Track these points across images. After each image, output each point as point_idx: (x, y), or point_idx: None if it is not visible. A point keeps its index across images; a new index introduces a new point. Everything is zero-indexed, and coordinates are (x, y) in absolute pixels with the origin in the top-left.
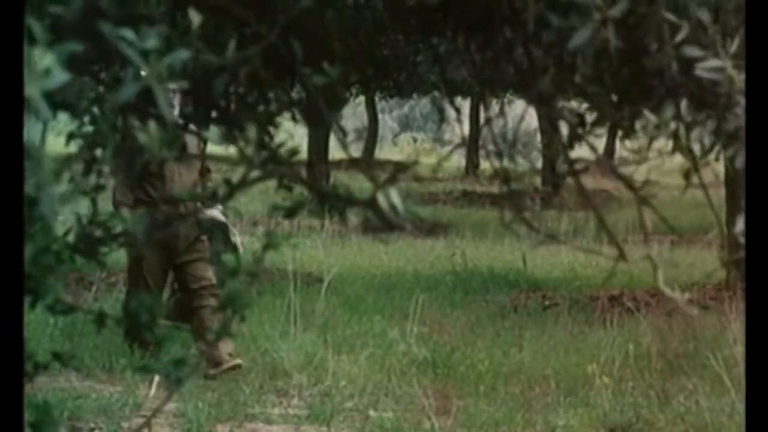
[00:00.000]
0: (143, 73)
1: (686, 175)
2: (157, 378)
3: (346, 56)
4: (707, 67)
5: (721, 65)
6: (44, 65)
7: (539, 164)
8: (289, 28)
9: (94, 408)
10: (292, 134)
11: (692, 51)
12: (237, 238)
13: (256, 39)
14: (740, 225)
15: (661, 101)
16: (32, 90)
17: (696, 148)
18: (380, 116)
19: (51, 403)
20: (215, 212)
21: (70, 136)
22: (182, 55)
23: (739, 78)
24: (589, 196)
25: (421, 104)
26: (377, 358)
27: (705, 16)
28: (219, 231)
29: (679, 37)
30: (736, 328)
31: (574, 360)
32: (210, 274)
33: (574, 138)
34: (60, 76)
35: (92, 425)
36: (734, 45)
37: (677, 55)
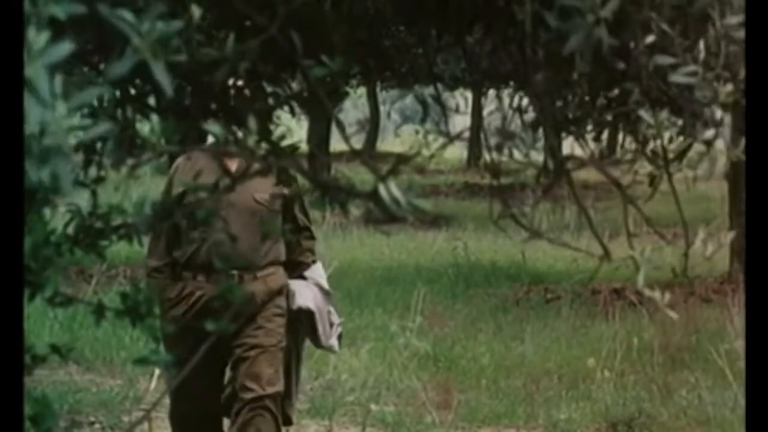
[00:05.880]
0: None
1: (651, 181)
2: (157, 371)
3: (347, 48)
4: (680, 72)
5: (694, 70)
6: (39, 46)
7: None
8: (289, 20)
9: (94, 401)
10: (290, 128)
11: (663, 59)
12: (335, 337)
13: (256, 31)
14: (701, 235)
15: (640, 103)
16: (30, 70)
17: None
18: (381, 108)
19: (51, 396)
20: (306, 292)
21: (70, 129)
22: (176, 25)
23: (716, 84)
24: (577, 195)
25: (424, 96)
26: (378, 352)
27: (666, 27)
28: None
29: (649, 39)
30: (738, 321)
31: (576, 353)
32: (273, 376)
33: (565, 135)
34: (59, 50)
35: (92, 419)
36: (702, 53)
37: (651, 59)
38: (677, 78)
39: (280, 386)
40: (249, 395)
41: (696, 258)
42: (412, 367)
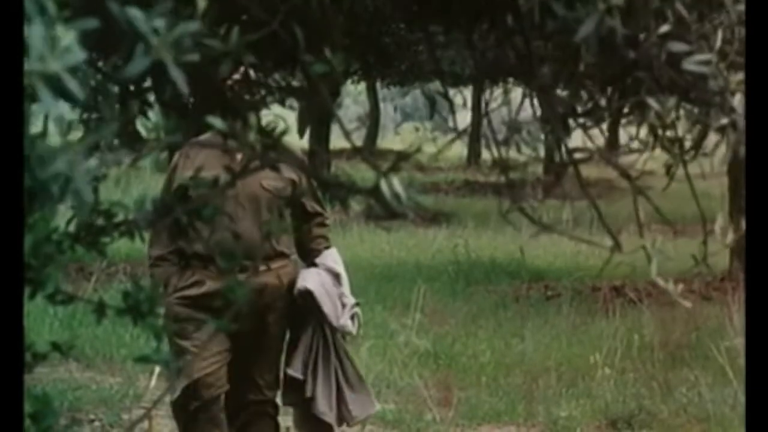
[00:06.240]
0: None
1: (668, 170)
2: (157, 369)
3: (348, 44)
4: (694, 60)
5: (708, 58)
6: (66, 43)
7: (542, 153)
8: (289, 16)
9: (94, 399)
10: (287, 124)
11: (677, 46)
12: (347, 317)
13: (257, 26)
14: (719, 222)
15: (651, 92)
16: (57, 66)
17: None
18: (382, 105)
19: (51, 394)
20: (310, 277)
21: (71, 125)
22: (190, 27)
23: (726, 73)
24: (586, 187)
25: (431, 92)
26: (378, 349)
27: (685, 13)
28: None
29: (662, 29)
30: (738, 319)
31: (576, 351)
32: (273, 380)
33: (573, 127)
34: (79, 54)
35: (92, 416)
36: (718, 41)
37: (663, 48)
38: (690, 66)
39: (278, 389)
40: (248, 399)
41: (712, 246)
42: (412, 365)
